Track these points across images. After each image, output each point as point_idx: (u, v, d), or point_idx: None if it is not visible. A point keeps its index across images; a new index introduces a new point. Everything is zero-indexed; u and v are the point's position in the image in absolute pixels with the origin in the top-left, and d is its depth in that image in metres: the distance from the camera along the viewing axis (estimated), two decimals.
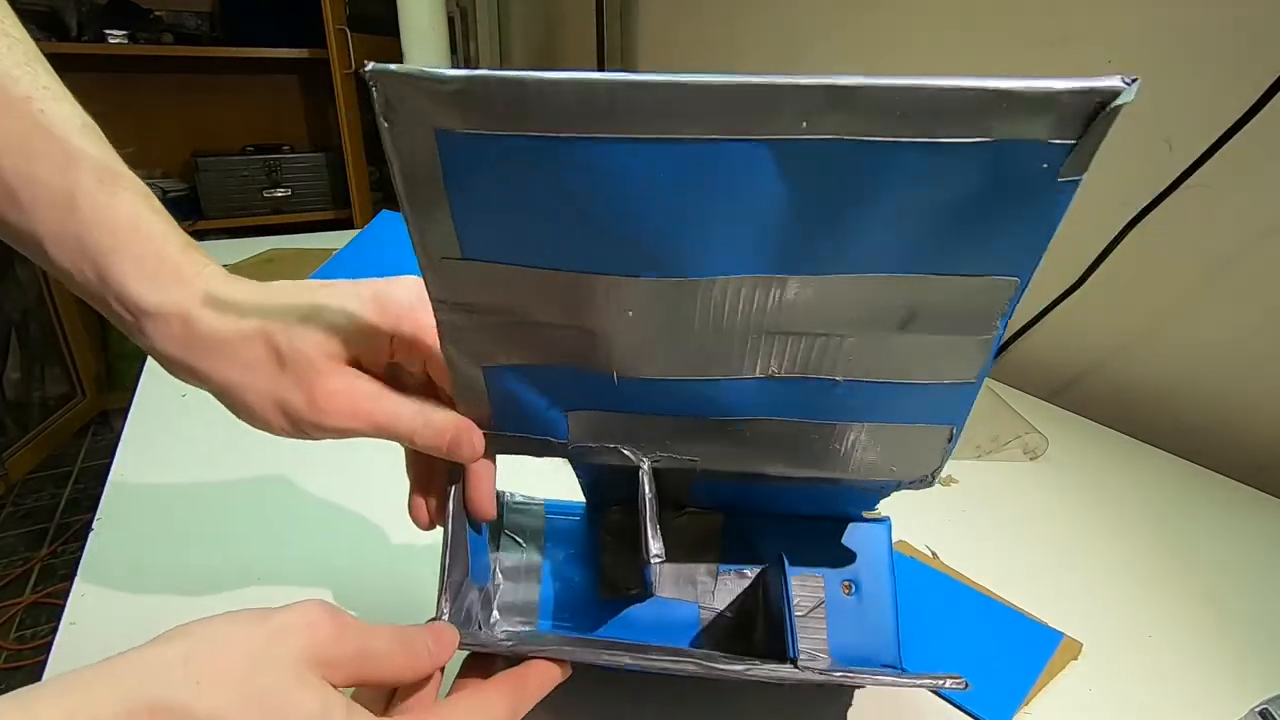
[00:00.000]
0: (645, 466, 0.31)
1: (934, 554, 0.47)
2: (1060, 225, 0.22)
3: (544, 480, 0.38)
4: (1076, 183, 0.21)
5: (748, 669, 0.27)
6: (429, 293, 0.26)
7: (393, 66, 0.20)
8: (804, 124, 0.20)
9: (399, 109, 0.21)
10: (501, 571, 0.37)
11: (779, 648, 0.32)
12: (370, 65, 0.20)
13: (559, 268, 0.24)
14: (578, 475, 0.35)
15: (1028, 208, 0.22)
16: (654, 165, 0.21)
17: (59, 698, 0.19)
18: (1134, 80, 0.18)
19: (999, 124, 0.20)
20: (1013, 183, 0.21)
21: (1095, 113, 0.19)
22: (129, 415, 0.62)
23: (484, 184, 0.22)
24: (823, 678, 0.27)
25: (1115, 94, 0.19)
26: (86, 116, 0.29)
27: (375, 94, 0.21)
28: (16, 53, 0.28)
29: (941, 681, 0.28)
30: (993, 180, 0.21)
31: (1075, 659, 0.39)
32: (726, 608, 0.36)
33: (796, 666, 0.27)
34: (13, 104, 0.27)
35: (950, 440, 0.29)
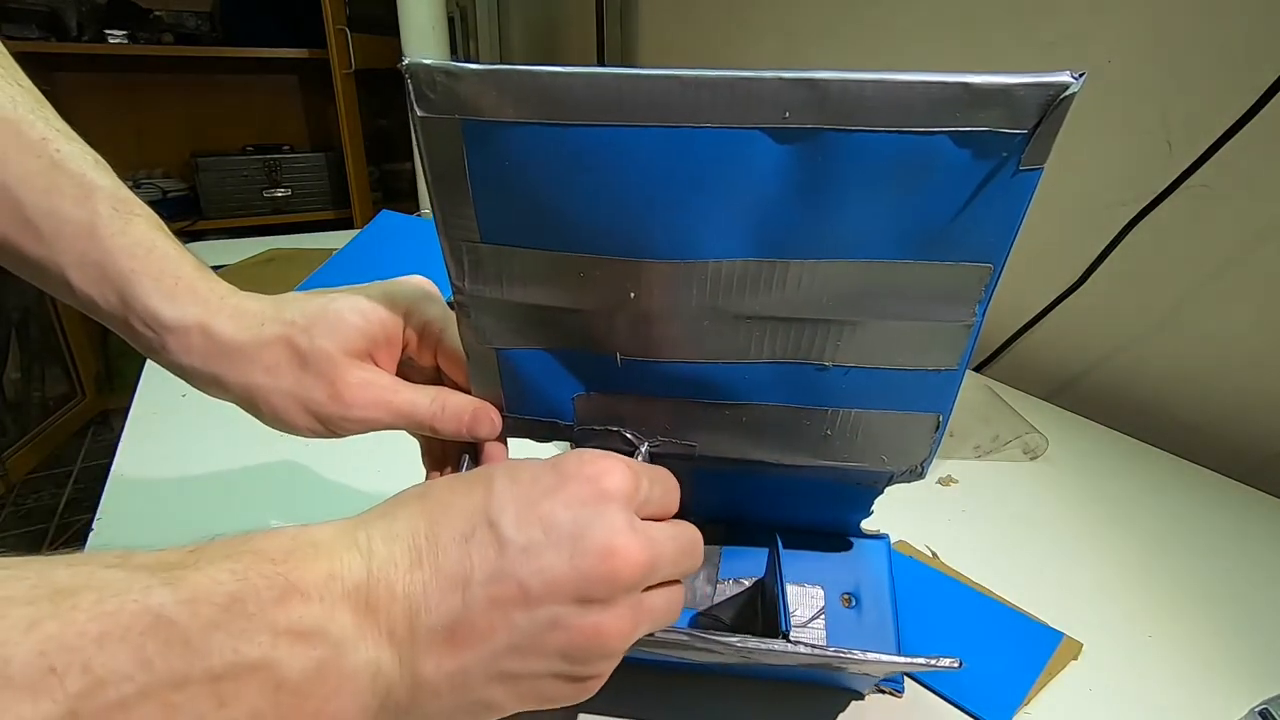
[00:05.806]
0: (643, 449, 0.32)
1: (934, 554, 0.47)
2: (1027, 214, 0.23)
3: None
4: (1038, 172, 0.22)
5: (738, 640, 0.27)
6: (450, 276, 0.28)
7: (426, 60, 0.22)
8: (786, 114, 0.22)
9: (430, 99, 0.23)
10: None
11: None
12: (406, 59, 0.22)
13: (568, 250, 0.26)
14: None
15: (993, 196, 0.23)
16: (654, 150, 0.23)
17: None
18: (1082, 75, 0.21)
19: (962, 115, 0.21)
20: (977, 172, 0.23)
21: (1048, 105, 0.21)
22: (129, 415, 0.62)
23: (502, 171, 0.24)
24: (812, 652, 0.27)
25: (1065, 87, 0.21)
26: (95, 153, 0.31)
27: (409, 85, 0.23)
28: (29, 100, 0.30)
29: (935, 662, 0.28)
30: (959, 169, 0.23)
31: (1075, 659, 0.39)
32: (725, 614, 0.37)
33: (787, 640, 0.27)
34: (31, 145, 0.29)
35: (937, 429, 0.30)
